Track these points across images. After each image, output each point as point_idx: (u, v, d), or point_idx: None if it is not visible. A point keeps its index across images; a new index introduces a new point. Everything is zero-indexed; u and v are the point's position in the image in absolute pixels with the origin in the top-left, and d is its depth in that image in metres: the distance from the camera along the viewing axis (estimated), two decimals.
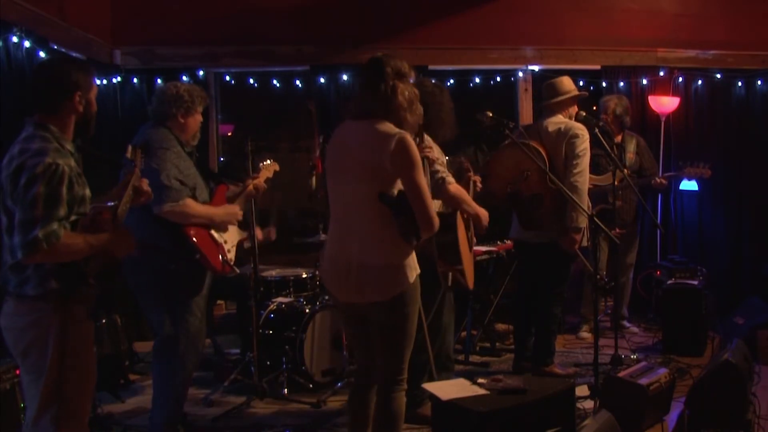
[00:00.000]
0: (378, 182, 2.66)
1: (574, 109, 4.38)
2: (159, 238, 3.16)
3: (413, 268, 2.75)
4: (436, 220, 2.69)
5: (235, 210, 3.47)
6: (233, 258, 3.47)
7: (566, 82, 4.38)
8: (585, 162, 4.13)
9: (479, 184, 4.09)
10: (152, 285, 3.26)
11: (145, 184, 2.58)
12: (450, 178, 3.63)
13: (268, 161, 3.96)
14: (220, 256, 3.33)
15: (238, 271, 3.44)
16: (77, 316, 2.39)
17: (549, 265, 4.28)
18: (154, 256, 3.15)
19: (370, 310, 2.75)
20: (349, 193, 2.74)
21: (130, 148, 2.54)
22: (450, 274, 3.67)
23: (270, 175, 3.94)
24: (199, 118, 3.42)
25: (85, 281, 2.36)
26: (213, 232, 3.35)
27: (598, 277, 3.81)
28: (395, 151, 2.60)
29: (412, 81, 2.81)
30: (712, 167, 5.27)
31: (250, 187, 3.67)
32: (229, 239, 3.47)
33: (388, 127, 2.68)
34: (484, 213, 3.85)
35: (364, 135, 2.70)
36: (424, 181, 2.68)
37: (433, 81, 4.00)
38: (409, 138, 2.67)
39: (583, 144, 4.14)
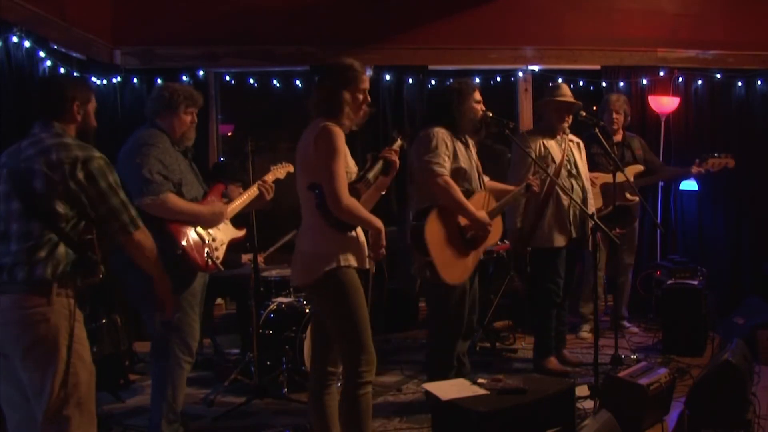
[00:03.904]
0: (308, 173, 2.81)
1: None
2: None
3: (343, 256, 2.80)
4: (344, 201, 2.71)
5: (222, 209, 3.40)
6: (221, 256, 3.41)
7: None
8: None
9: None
10: (140, 283, 3.24)
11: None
12: (444, 172, 3.57)
13: (282, 163, 3.91)
14: (206, 251, 3.29)
15: (222, 269, 3.37)
16: (78, 305, 2.45)
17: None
18: None
19: (310, 297, 2.82)
20: (297, 186, 2.92)
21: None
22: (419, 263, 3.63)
23: (281, 176, 3.89)
24: (185, 118, 3.34)
25: (96, 268, 2.45)
26: (199, 228, 3.31)
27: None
28: (316, 139, 2.75)
29: (365, 79, 2.92)
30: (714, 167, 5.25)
31: (255, 188, 3.61)
32: (219, 237, 3.42)
33: (320, 120, 2.80)
34: (482, 217, 3.63)
35: (306, 132, 2.87)
36: (339, 169, 2.72)
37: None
38: (333, 128, 2.75)
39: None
